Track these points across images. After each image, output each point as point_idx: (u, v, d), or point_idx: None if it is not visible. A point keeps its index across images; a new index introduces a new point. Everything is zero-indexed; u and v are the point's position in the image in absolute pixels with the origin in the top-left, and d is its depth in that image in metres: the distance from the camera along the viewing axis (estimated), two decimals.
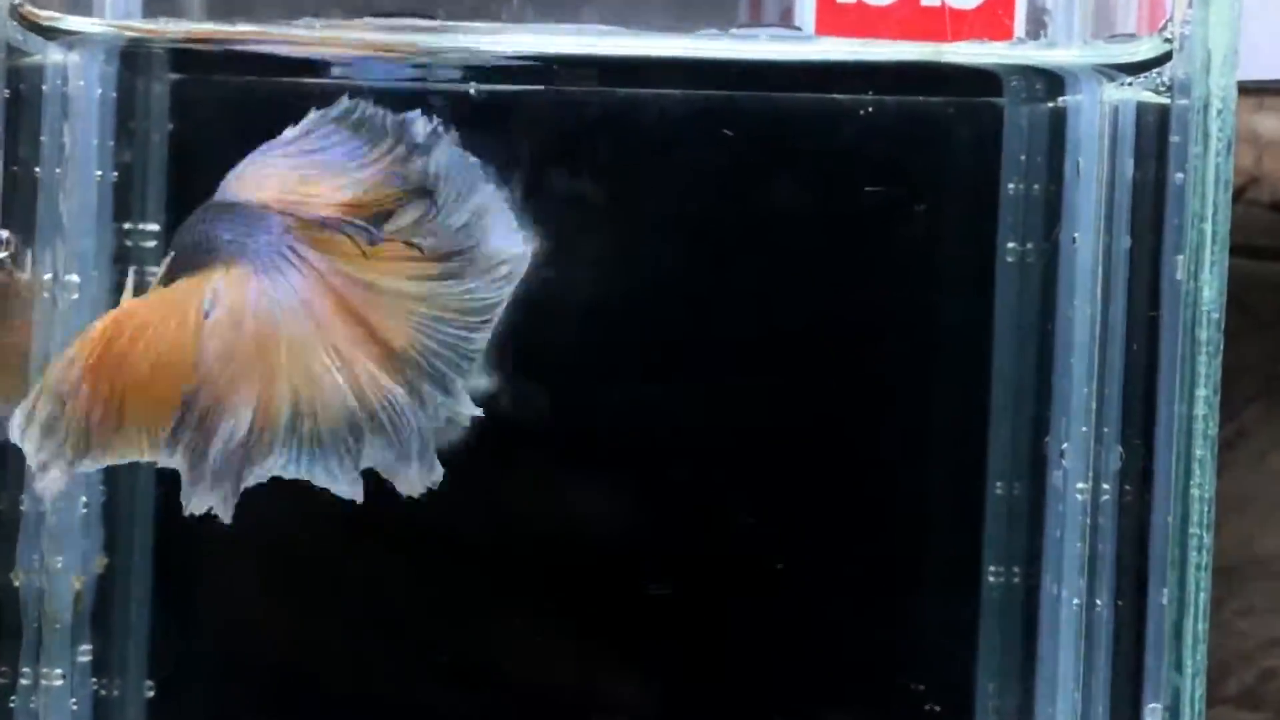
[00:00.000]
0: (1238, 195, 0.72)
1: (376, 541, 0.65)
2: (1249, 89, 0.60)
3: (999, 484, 0.66)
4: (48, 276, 0.61)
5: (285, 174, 0.58)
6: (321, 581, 0.66)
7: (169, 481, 0.63)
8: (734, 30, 0.61)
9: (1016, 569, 0.66)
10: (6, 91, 0.59)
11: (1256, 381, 0.76)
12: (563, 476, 0.66)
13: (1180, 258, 0.56)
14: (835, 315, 0.66)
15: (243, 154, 0.59)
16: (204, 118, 0.65)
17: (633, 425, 0.66)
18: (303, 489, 0.58)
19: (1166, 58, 0.57)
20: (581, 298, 0.65)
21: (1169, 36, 0.57)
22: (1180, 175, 0.56)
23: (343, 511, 0.59)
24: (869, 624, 0.67)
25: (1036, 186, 0.65)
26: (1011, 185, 0.66)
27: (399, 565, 0.66)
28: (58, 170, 0.61)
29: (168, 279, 0.58)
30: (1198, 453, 0.55)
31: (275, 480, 0.58)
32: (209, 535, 0.64)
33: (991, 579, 0.66)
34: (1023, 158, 0.65)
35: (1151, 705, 0.57)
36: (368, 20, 0.60)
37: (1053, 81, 0.64)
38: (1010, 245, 0.66)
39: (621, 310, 0.65)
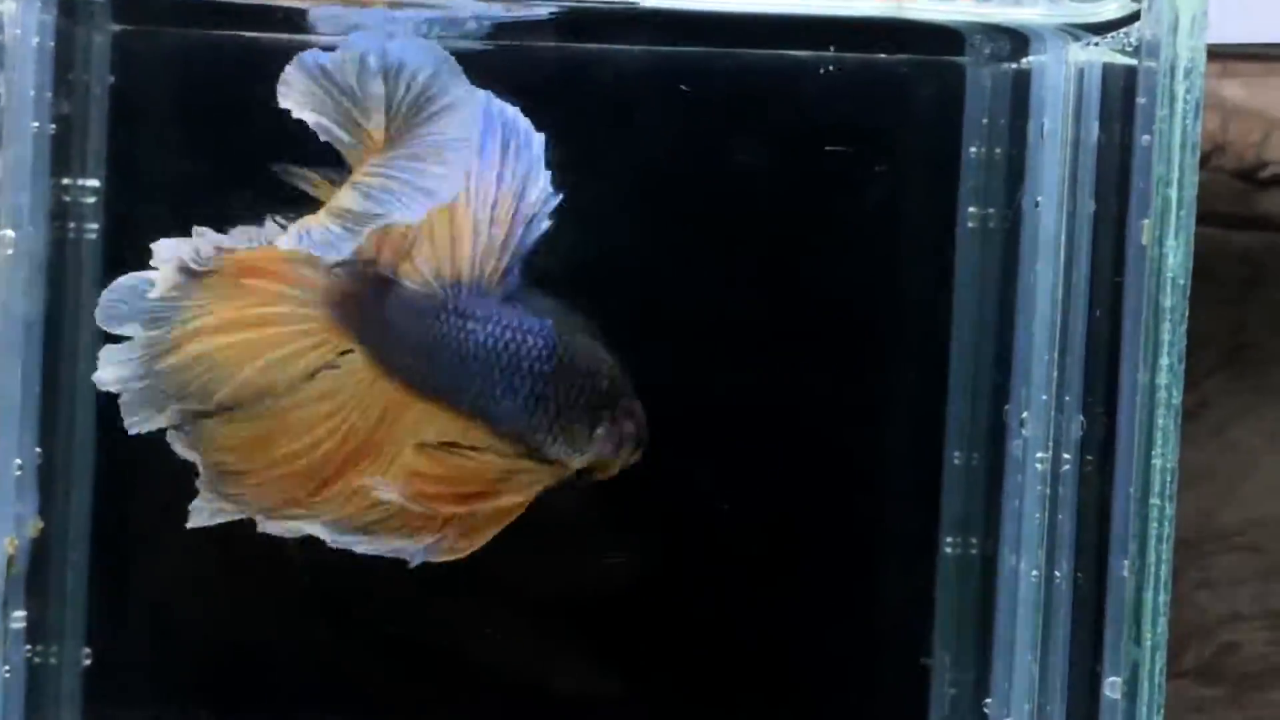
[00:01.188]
0: (1203, 163, 0.71)
1: None
2: (1215, 54, 0.59)
3: (957, 454, 0.65)
4: None
5: None
6: (263, 550, 0.64)
7: (106, 443, 0.62)
8: None
9: (974, 540, 0.66)
10: None
11: (1218, 352, 0.75)
12: None
13: (1145, 222, 0.55)
14: (790, 279, 0.65)
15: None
16: (147, 70, 0.63)
17: None
18: None
19: (1134, 17, 0.57)
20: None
21: None
22: (1146, 138, 0.55)
23: None
24: (825, 595, 0.67)
25: (999, 150, 0.65)
26: (973, 149, 0.65)
27: None
28: None
29: None
30: (1160, 422, 0.55)
31: None
32: (149, 499, 0.63)
33: (948, 550, 0.66)
34: (985, 121, 0.65)
35: (1111, 679, 0.57)
36: None
37: (1016, 40, 0.63)
38: (971, 210, 0.65)
39: (575, 270, 0.64)
